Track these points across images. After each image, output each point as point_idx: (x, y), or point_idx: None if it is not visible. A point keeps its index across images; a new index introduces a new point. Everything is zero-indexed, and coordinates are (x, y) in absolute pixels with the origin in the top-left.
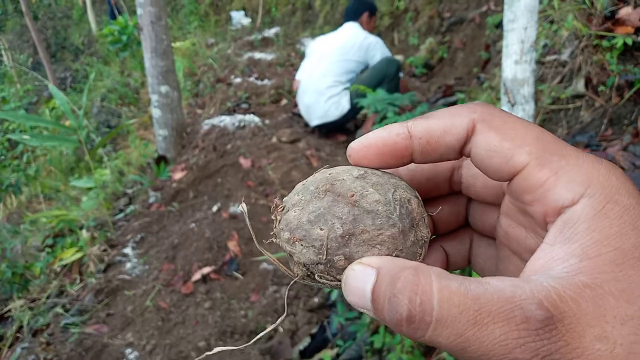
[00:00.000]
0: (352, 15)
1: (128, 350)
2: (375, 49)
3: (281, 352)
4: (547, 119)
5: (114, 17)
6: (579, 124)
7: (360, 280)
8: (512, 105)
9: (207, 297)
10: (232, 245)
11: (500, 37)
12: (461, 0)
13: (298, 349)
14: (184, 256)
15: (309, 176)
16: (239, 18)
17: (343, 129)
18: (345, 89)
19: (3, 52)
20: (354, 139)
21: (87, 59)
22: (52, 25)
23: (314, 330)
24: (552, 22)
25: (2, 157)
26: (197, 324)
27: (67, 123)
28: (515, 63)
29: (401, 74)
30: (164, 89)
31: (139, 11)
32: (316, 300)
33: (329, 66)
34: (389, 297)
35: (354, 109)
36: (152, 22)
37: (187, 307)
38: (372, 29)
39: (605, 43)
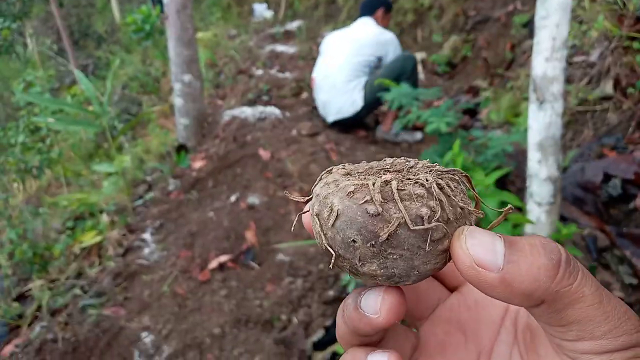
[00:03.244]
0: (367, 10)
1: (144, 334)
2: (390, 45)
3: (295, 343)
4: (573, 120)
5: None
6: (605, 126)
7: (487, 236)
8: (541, 103)
9: (223, 285)
10: (250, 235)
11: (525, 37)
12: None
13: (312, 341)
14: (201, 244)
15: (327, 170)
16: (261, 10)
17: (363, 124)
18: (360, 85)
19: (28, 38)
20: (374, 135)
21: (110, 47)
22: (76, 13)
23: (329, 322)
24: (581, 22)
25: (27, 139)
26: (212, 311)
27: (90, 108)
28: (546, 60)
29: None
30: (187, 77)
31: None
32: (331, 293)
33: (345, 62)
34: (543, 243)
35: (368, 106)
36: (177, 10)
37: (203, 294)
38: (387, 26)
39: (636, 45)
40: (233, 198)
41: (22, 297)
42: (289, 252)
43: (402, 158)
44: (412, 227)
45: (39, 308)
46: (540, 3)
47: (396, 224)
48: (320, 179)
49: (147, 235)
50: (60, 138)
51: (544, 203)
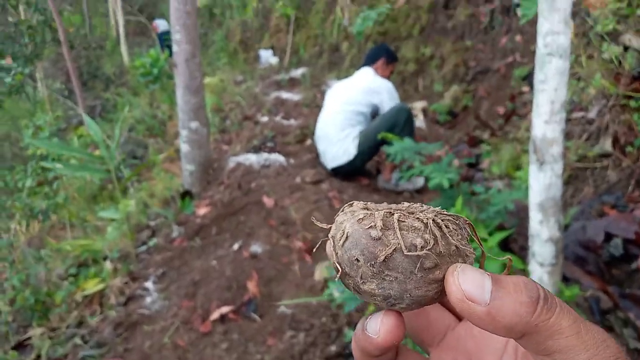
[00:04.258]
0: (369, 60)
1: None
2: (384, 92)
3: None
4: (573, 176)
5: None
6: (605, 183)
7: (477, 273)
8: (541, 164)
9: (225, 338)
10: (252, 286)
11: (525, 89)
12: (487, 50)
13: None
14: (203, 294)
15: (330, 218)
16: (267, 57)
17: (364, 172)
18: (353, 133)
19: (38, 80)
20: (375, 183)
21: (118, 90)
22: (85, 55)
23: None
24: (579, 79)
25: (34, 183)
26: None
27: (97, 152)
28: (545, 123)
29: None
30: (193, 124)
31: (175, 48)
32: (333, 348)
33: (337, 111)
34: (525, 282)
35: (362, 154)
36: (186, 59)
37: (204, 347)
38: (388, 76)
39: (633, 103)
40: (236, 246)
41: (20, 346)
42: (290, 304)
43: (418, 203)
44: (405, 252)
45: (38, 357)
46: (538, 68)
47: (393, 248)
48: (342, 210)
49: (149, 284)
50: (66, 181)
51: (546, 264)
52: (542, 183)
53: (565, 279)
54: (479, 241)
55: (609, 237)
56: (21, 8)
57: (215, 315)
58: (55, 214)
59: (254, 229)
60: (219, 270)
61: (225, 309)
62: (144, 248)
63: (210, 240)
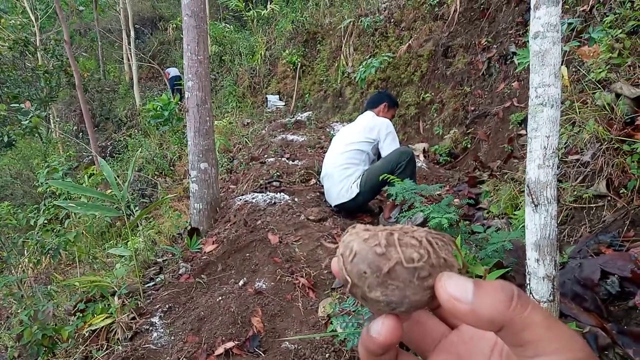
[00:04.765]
0: (371, 105)
1: None
2: (382, 128)
3: None
4: (570, 216)
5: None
6: (601, 223)
7: (461, 279)
8: (536, 206)
9: None
10: (256, 322)
11: (522, 132)
12: (485, 95)
13: None
14: (208, 329)
15: (333, 254)
16: (274, 101)
17: (367, 210)
18: (357, 173)
19: (51, 121)
20: (377, 221)
21: (129, 131)
22: (99, 98)
23: None
24: (574, 124)
25: (46, 221)
26: None
27: (108, 191)
28: (539, 167)
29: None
30: (203, 165)
31: (187, 94)
32: None
33: (340, 152)
34: (502, 284)
35: (364, 193)
36: (197, 105)
37: None
38: (390, 119)
39: (625, 147)
40: (241, 282)
41: None
42: (294, 339)
43: (408, 224)
44: (405, 265)
45: None
46: (531, 116)
47: (395, 261)
48: (347, 231)
49: (155, 319)
50: (76, 219)
51: (543, 301)
52: (537, 223)
53: (563, 316)
54: (461, 253)
55: (605, 275)
56: (39, 54)
57: (220, 350)
58: (65, 251)
59: (259, 265)
60: (224, 306)
61: (229, 345)
62: (151, 284)
63: (215, 276)
